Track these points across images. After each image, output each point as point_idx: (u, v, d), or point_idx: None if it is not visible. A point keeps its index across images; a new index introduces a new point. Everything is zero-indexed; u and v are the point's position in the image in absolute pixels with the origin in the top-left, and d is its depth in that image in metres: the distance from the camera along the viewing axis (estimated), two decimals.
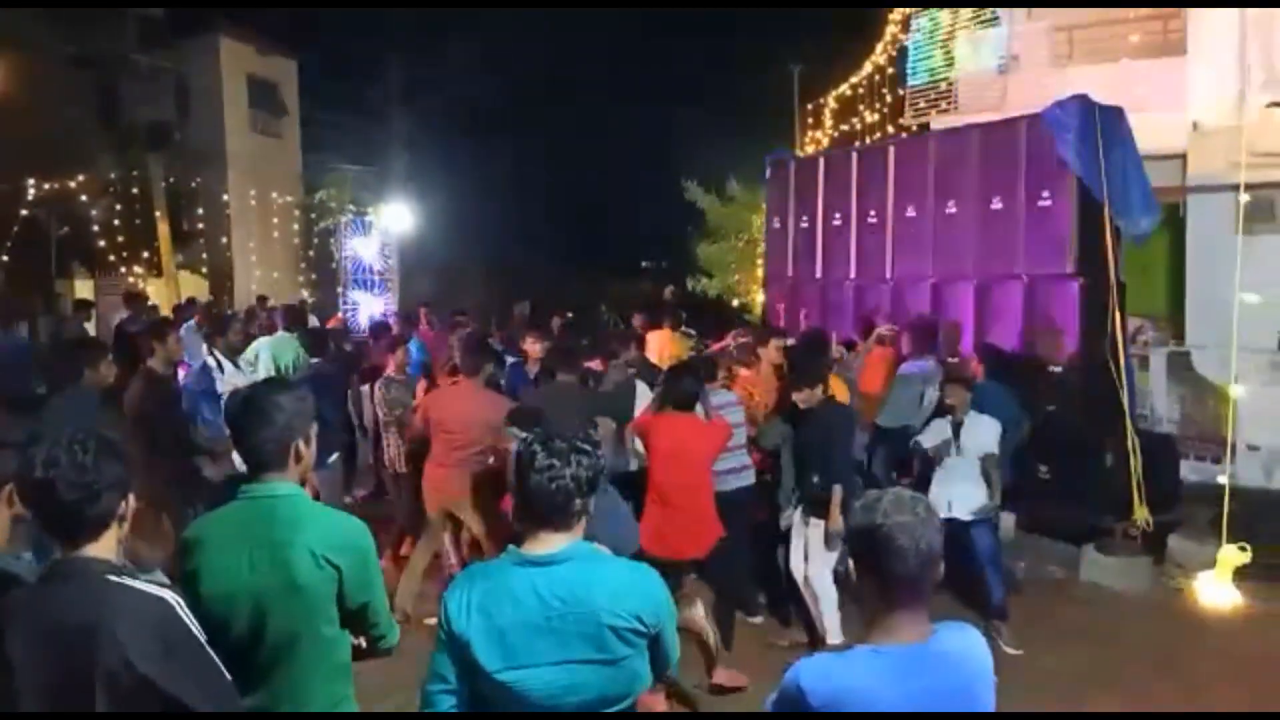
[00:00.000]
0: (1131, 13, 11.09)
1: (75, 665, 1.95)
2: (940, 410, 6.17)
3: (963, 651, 2.01)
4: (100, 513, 2.05)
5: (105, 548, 2.07)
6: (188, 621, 2.05)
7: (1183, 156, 9.99)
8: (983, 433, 5.86)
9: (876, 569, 1.95)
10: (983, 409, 6.06)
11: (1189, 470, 8.12)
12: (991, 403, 6.34)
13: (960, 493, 5.78)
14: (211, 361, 7.50)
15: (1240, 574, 6.35)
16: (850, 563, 2.03)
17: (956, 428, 5.91)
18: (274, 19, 19.72)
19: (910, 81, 13.42)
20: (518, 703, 2.16)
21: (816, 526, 5.38)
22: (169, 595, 2.07)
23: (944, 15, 13.03)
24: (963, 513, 5.72)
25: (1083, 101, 7.30)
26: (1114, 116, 7.38)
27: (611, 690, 2.22)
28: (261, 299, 14.77)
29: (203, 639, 2.07)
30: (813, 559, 5.43)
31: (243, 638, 2.39)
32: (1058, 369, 7.39)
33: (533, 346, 7.60)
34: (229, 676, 2.11)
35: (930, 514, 1.97)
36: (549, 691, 2.16)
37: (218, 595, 2.39)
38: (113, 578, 2.04)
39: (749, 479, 5.88)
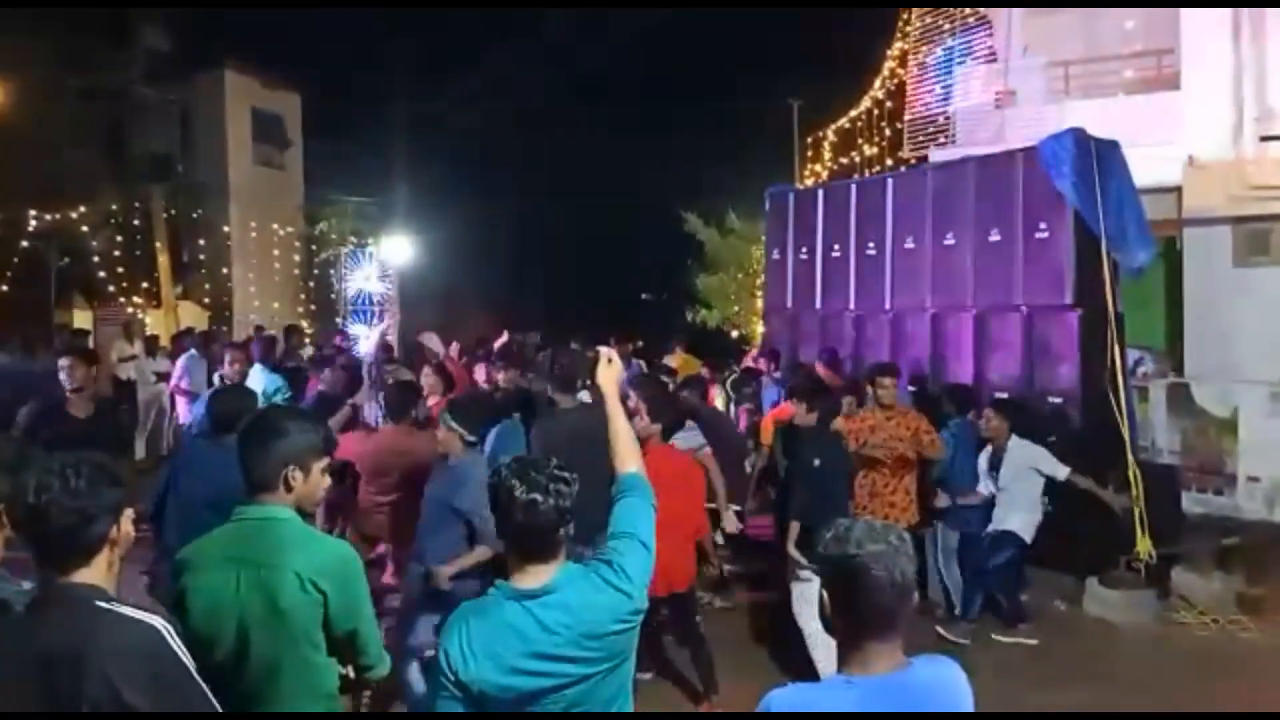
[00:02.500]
0: (1126, 48, 11.23)
1: (62, 694, 1.92)
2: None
3: (939, 684, 1.98)
4: (92, 538, 2.03)
5: (96, 573, 2.06)
6: (176, 649, 2.02)
7: (1178, 190, 10.06)
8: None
9: (851, 600, 1.91)
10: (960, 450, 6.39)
11: (1191, 502, 8.09)
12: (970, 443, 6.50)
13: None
14: None
15: (1244, 608, 6.32)
16: (824, 594, 1.99)
17: (996, 459, 5.97)
18: (278, 52, 19.93)
19: (909, 115, 13.54)
20: None
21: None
22: (158, 622, 2.04)
23: (942, 50, 13.19)
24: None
25: (1079, 135, 7.36)
26: (1110, 150, 7.44)
27: (623, 677, 2.31)
28: (258, 329, 14.78)
29: (192, 667, 2.04)
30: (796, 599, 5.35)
31: (227, 660, 2.39)
32: (1058, 400, 7.38)
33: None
34: (217, 705, 2.08)
35: (903, 542, 1.93)
36: (568, 706, 2.19)
37: (204, 614, 2.39)
38: (102, 604, 2.02)
39: None
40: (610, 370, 2.58)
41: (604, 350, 2.60)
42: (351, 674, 2.57)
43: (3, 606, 2.29)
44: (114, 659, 1.93)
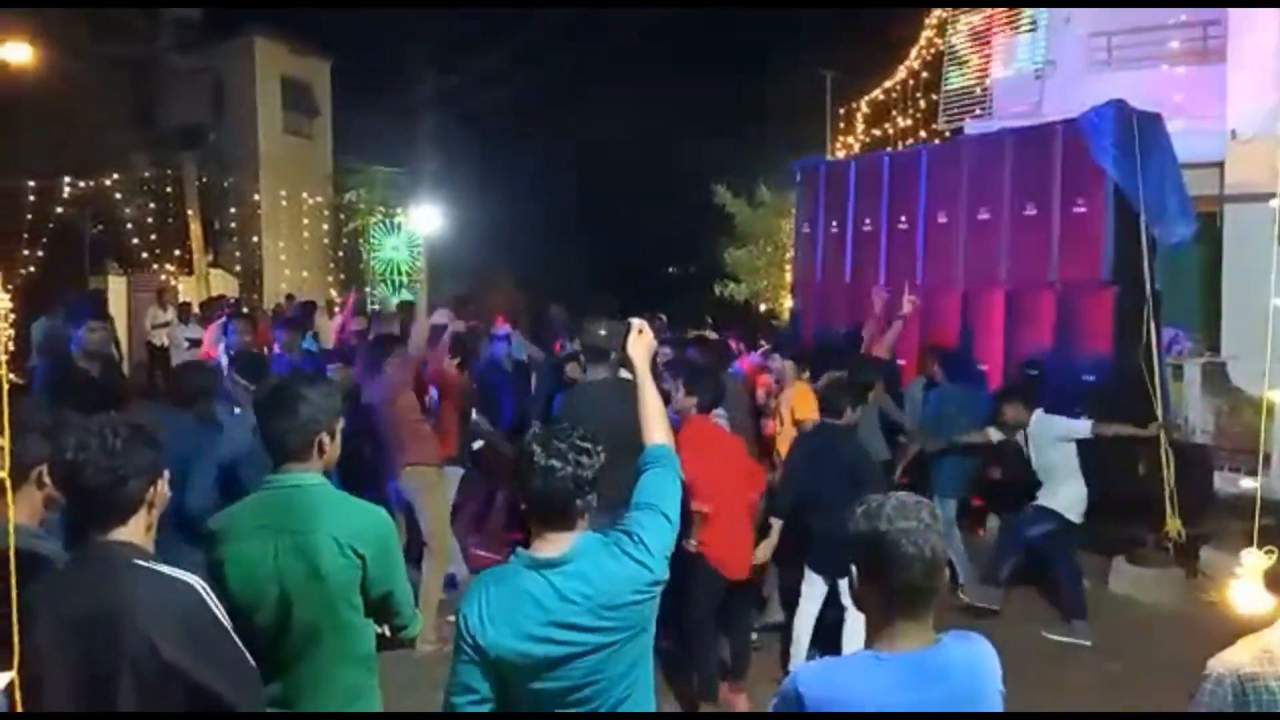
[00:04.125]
0: (1171, 19, 10.94)
1: (100, 651, 1.95)
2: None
3: (968, 661, 1.97)
4: (127, 497, 2.06)
5: (134, 532, 2.09)
6: (214, 607, 2.06)
7: (1220, 165, 9.85)
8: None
9: (880, 577, 1.90)
10: (943, 413, 6.54)
11: (1223, 481, 7.98)
12: (956, 406, 6.60)
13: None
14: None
15: (1274, 588, 6.23)
16: (854, 570, 1.99)
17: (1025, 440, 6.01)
18: (308, 20, 19.90)
19: (945, 86, 13.31)
20: (560, 697, 2.18)
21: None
22: (195, 580, 2.08)
23: (981, 20, 12.93)
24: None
25: (1120, 107, 7.19)
26: (1152, 123, 7.27)
27: (642, 646, 2.30)
28: (290, 297, 14.91)
29: (228, 624, 2.08)
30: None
31: (268, 626, 2.41)
32: (1091, 378, 7.28)
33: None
34: (253, 663, 2.11)
35: (934, 519, 1.91)
36: (586, 675, 2.18)
37: (243, 584, 2.41)
38: (140, 562, 2.05)
39: None
40: (641, 341, 2.58)
41: (635, 321, 2.60)
42: (388, 634, 2.61)
43: (43, 563, 2.34)
44: (151, 615, 1.96)
